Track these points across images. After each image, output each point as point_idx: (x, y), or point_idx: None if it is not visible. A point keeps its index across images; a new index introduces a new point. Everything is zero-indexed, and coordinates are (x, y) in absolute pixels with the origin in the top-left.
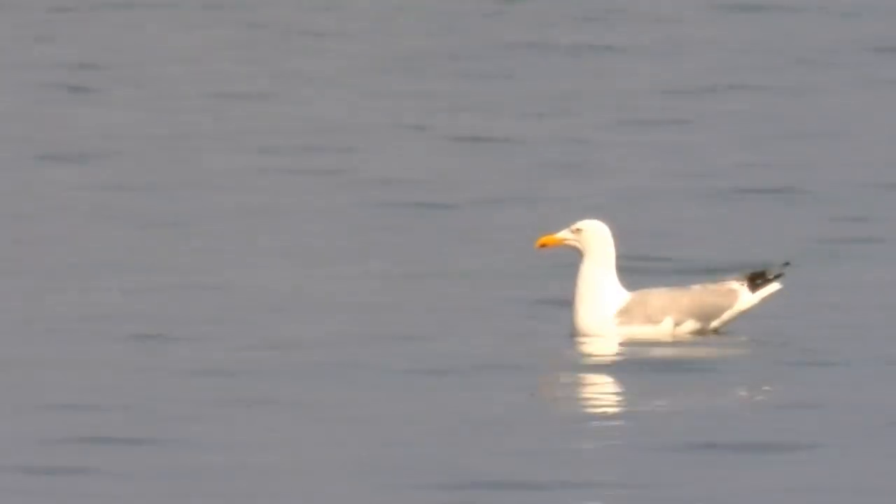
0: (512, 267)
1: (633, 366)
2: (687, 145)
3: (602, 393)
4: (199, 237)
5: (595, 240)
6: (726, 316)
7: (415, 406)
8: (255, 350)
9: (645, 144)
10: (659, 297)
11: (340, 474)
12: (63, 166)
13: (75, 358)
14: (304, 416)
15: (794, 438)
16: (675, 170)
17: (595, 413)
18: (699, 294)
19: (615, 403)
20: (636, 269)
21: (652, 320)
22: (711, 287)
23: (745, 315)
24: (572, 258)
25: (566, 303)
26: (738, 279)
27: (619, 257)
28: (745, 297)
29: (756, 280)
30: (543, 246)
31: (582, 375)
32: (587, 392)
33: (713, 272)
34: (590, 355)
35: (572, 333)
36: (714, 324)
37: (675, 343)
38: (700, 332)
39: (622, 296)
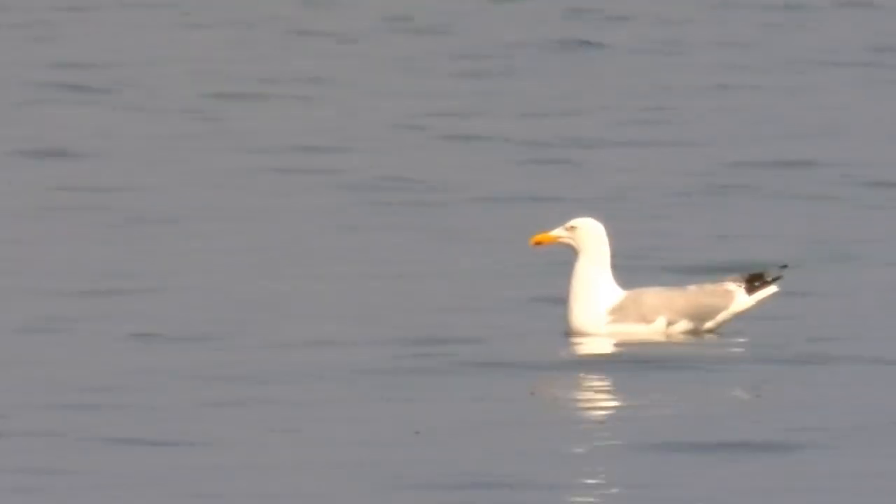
0: (507, 265)
1: (631, 365)
2: (687, 145)
3: (601, 392)
4: (199, 237)
5: (589, 238)
6: (721, 317)
7: (414, 406)
8: (254, 350)
9: (644, 144)
10: (653, 296)
11: (340, 474)
12: (63, 166)
13: (75, 358)
14: (304, 416)
15: (794, 438)
16: (675, 169)
17: (594, 413)
18: (694, 294)
19: (614, 403)
20: (634, 268)
21: (645, 319)
22: (708, 287)
23: (740, 317)
24: (567, 256)
25: (561, 301)
26: (735, 280)
27: (615, 256)
28: (740, 299)
29: (754, 282)
30: (538, 244)
31: (580, 374)
32: (586, 392)
33: (712, 272)
34: (587, 354)
35: (566, 331)
36: (708, 324)
37: (675, 342)
38: (694, 333)
39: (616, 294)
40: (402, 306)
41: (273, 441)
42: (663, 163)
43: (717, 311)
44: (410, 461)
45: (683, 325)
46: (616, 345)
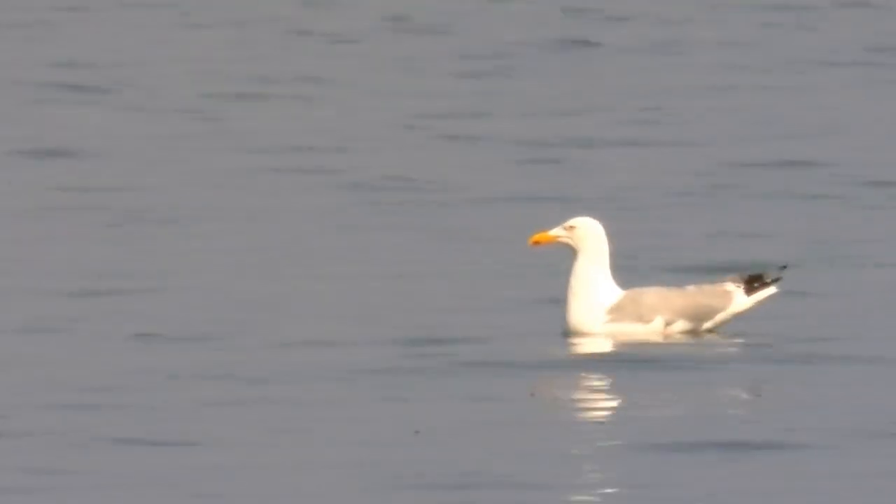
0: (507, 265)
1: (631, 365)
2: (686, 145)
3: (600, 392)
4: (199, 237)
5: (588, 237)
6: (719, 317)
7: (414, 406)
8: (254, 350)
9: (644, 144)
10: (651, 295)
11: (340, 474)
12: (63, 166)
13: (75, 358)
14: (304, 416)
15: (794, 438)
16: (675, 169)
17: (594, 413)
18: (693, 294)
19: (614, 403)
20: (634, 268)
21: (643, 319)
22: (706, 288)
23: (739, 317)
24: (566, 256)
25: (560, 301)
26: (734, 281)
27: (614, 255)
28: (739, 300)
29: (753, 283)
30: (537, 243)
31: (580, 374)
32: (586, 392)
33: (711, 272)
34: (587, 354)
35: (564, 330)
36: (706, 325)
37: (674, 342)
38: (692, 333)
39: (615, 293)
40: (402, 306)
41: (273, 441)
42: (663, 163)
43: (715, 311)
44: (410, 461)
45: (681, 325)
46: (615, 345)
